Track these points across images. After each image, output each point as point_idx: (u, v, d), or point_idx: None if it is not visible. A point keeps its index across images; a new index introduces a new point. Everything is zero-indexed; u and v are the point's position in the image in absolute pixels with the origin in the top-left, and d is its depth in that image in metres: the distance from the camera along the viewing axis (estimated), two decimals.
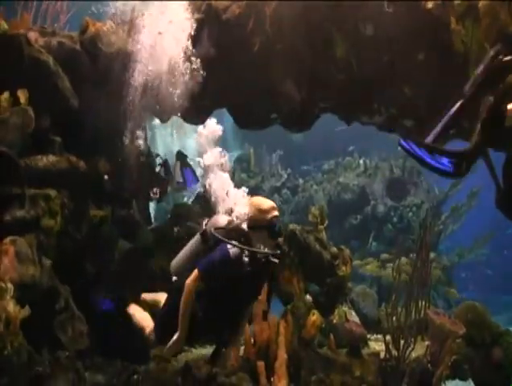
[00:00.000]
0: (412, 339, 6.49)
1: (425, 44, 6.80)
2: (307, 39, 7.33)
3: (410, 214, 16.73)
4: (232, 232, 4.83)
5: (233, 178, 11.24)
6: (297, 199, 18.84)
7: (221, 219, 4.97)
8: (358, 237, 16.54)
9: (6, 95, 6.48)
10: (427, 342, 6.52)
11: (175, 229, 8.16)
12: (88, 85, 7.46)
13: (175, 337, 5.07)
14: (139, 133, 8.01)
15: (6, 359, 5.05)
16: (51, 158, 6.96)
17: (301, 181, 19.66)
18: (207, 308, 4.89)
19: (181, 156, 9.44)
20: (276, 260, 4.83)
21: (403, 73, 7.04)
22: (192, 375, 5.56)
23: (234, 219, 4.92)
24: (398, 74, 7.09)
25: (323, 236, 8.04)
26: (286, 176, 19.70)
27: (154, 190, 8.45)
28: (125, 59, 7.48)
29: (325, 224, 8.20)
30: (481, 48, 6.12)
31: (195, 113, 8.00)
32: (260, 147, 20.14)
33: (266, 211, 4.77)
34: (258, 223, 4.74)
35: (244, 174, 19.00)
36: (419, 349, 6.42)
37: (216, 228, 4.89)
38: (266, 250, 4.79)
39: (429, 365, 6.02)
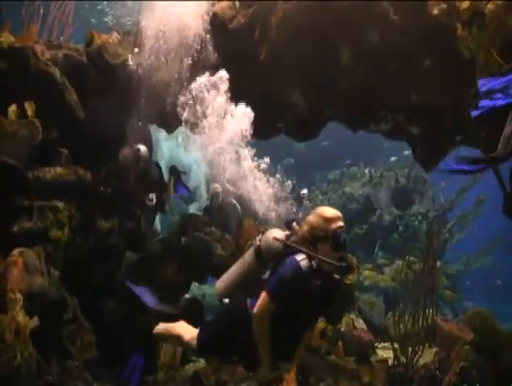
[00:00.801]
0: (420, 346, 6.50)
1: (431, 51, 6.80)
2: (312, 47, 7.34)
3: (416, 223, 16.70)
4: (293, 244, 4.28)
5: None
6: (302, 209, 18.81)
7: (277, 234, 4.44)
8: (364, 247, 16.51)
9: (13, 107, 6.54)
10: (434, 349, 6.53)
11: (183, 239, 8.16)
12: (95, 97, 7.51)
13: (259, 370, 4.34)
14: (141, 138, 7.97)
15: (16, 369, 5.08)
16: (59, 169, 7.01)
17: (306, 191, 19.64)
18: (273, 332, 4.21)
19: (175, 171, 9.33)
20: (338, 276, 4.37)
21: (410, 80, 7.05)
22: (201, 383, 5.61)
23: (293, 231, 4.42)
24: (404, 81, 7.09)
25: None
26: (291, 186, 19.66)
27: (150, 196, 8.12)
28: (130, 70, 7.56)
29: None
30: (488, 54, 6.13)
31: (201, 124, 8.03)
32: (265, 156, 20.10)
33: (330, 221, 4.23)
34: (321, 233, 4.21)
35: None
36: (426, 356, 6.43)
37: (280, 240, 4.36)
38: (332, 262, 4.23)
39: (437, 372, 6.02)
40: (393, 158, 20.29)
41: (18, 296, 5.41)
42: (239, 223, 8.76)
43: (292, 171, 20.73)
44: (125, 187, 7.75)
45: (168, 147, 18.77)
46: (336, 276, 4.31)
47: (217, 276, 8.32)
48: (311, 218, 4.29)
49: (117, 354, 7.00)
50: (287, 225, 4.49)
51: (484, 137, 6.99)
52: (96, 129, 7.27)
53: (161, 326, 5.05)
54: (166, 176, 8.80)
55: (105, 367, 6.85)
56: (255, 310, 4.10)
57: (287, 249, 4.24)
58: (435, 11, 6.66)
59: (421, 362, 6.27)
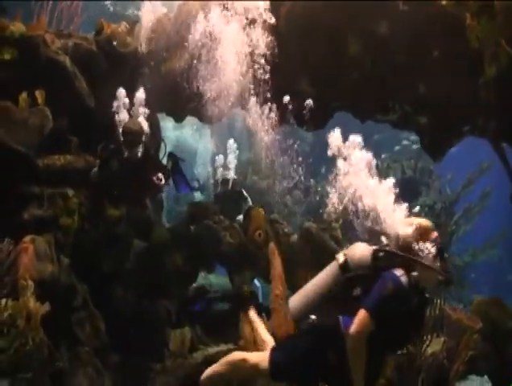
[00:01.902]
0: (428, 336, 6.50)
1: (440, 41, 6.79)
2: (321, 37, 7.34)
3: (423, 214, 16.67)
4: (390, 257, 3.98)
5: (244, 180, 11.06)
6: (309, 200, 18.81)
7: (363, 248, 4.14)
8: (370, 238, 16.46)
9: (24, 95, 6.58)
10: (443, 338, 6.53)
11: (192, 227, 8.16)
12: (104, 85, 7.54)
13: None
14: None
15: (27, 354, 5.12)
16: (69, 157, 7.06)
17: (313, 182, 19.60)
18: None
19: (174, 158, 9.18)
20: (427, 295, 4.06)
21: (418, 70, 7.04)
22: None
23: (384, 244, 4.11)
24: (412, 71, 7.08)
25: (338, 234, 8.04)
26: (297, 177, 19.61)
27: (159, 175, 7.39)
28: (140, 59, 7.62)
29: (340, 222, 8.20)
30: (497, 45, 6.12)
31: (210, 113, 8.04)
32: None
33: (428, 231, 4.00)
34: (419, 244, 3.94)
35: (256, 176, 18.94)
36: (435, 345, 6.43)
37: (379, 250, 4.04)
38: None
39: (445, 360, 6.03)
40: (383, 156, 20.17)
41: (30, 282, 5.44)
42: (248, 212, 8.72)
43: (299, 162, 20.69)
44: (131, 158, 7.23)
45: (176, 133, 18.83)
46: (427, 295, 4.04)
47: (226, 264, 8.40)
48: (405, 229, 4.01)
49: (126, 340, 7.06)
50: (373, 237, 4.18)
51: (493, 127, 6.99)
52: (105, 117, 7.28)
53: (212, 367, 4.40)
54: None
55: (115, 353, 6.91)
56: (353, 329, 3.74)
57: (379, 264, 3.95)
58: (444, 1, 6.65)
59: (429, 351, 6.27)
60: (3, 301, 5.32)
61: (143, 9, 7.96)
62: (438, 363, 6.00)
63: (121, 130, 7.11)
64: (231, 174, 10.53)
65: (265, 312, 5.91)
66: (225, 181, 10.50)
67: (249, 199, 10.27)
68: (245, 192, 10.40)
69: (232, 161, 10.82)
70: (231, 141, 11.20)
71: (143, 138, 7.22)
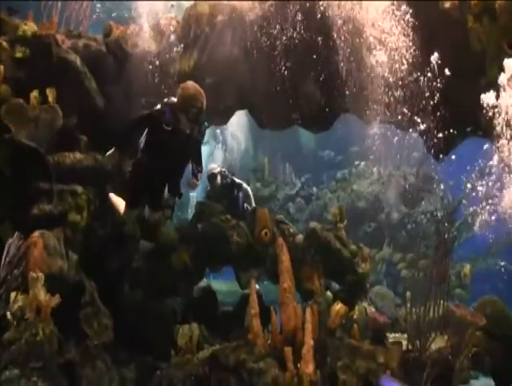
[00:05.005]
0: (432, 334, 6.54)
1: (441, 43, 6.87)
2: (326, 39, 7.43)
3: (425, 221, 16.72)
4: None
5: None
6: (311, 207, 18.88)
7: None
8: (372, 245, 16.53)
9: (35, 93, 6.67)
10: (446, 336, 6.58)
11: (199, 226, 8.17)
12: (113, 85, 7.64)
13: None
14: None
15: (38, 345, 5.18)
16: (78, 155, 7.12)
17: (315, 189, 19.67)
18: None
19: None
20: None
21: (421, 71, 7.11)
22: (219, 363, 5.67)
23: None
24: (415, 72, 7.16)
25: (342, 234, 8.08)
26: (300, 185, 19.72)
27: (197, 177, 7.25)
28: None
29: (344, 223, 8.25)
30: (498, 46, 6.20)
31: (218, 114, 8.13)
32: (274, 156, 20.08)
33: None
34: None
35: (258, 183, 19.02)
36: (439, 341, 6.48)
37: None
38: None
39: (450, 356, 6.08)
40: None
41: (40, 274, 5.50)
42: (253, 212, 8.66)
43: (301, 169, 20.78)
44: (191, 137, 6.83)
45: None
46: None
47: (233, 263, 8.42)
48: None
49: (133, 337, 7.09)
50: None
51: (495, 127, 7.06)
52: (114, 117, 7.38)
53: None
54: None
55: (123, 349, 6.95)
56: None
57: None
58: (447, 4, 6.73)
59: (433, 347, 6.32)
60: (13, 293, 5.39)
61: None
62: (442, 358, 6.05)
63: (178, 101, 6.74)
64: (218, 168, 10.00)
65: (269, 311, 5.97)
66: (213, 176, 9.86)
67: (244, 185, 9.95)
68: (237, 179, 9.99)
69: (218, 154, 10.43)
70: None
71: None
